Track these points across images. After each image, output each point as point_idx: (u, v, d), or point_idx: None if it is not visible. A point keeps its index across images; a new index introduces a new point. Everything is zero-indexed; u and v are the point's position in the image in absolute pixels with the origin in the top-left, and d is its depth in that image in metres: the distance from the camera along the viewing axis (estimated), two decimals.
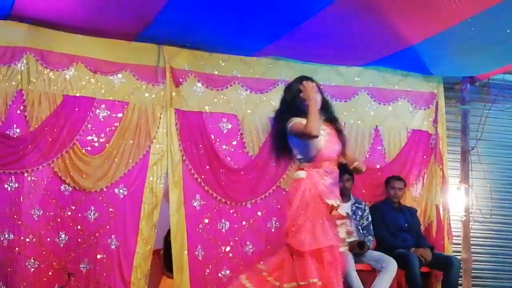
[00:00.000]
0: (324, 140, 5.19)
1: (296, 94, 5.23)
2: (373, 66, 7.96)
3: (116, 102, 7.16)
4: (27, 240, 6.74)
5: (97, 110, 7.08)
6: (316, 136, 5.07)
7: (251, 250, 7.37)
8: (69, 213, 6.93)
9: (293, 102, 5.26)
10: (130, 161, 7.12)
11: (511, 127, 9.02)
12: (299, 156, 5.24)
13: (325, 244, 5.02)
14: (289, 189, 5.54)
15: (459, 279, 7.48)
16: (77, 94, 7.02)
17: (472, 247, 8.29)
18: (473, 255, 8.32)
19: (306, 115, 5.08)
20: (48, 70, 6.93)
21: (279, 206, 7.41)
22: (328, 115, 5.36)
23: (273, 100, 7.57)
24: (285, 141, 5.28)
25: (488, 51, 7.26)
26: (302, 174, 5.21)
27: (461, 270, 7.71)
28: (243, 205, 7.45)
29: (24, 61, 6.85)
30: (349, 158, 5.41)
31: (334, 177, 5.28)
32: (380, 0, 6.13)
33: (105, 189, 7.04)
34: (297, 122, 5.16)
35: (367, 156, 7.95)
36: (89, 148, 7.04)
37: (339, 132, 5.38)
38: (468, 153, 8.42)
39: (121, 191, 7.09)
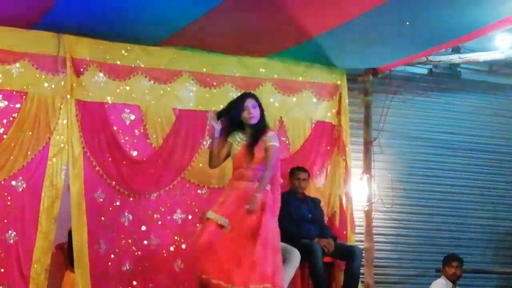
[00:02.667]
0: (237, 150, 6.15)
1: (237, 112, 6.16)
2: (277, 57, 7.95)
3: (14, 92, 6.92)
4: None
5: None
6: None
7: (154, 243, 7.28)
8: None
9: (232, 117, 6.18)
10: (29, 153, 6.91)
11: (412, 118, 9.25)
12: None
13: None
14: None
15: (361, 268, 7.58)
16: None
17: (374, 236, 8.43)
18: (376, 244, 8.46)
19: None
20: None
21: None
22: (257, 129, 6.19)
23: (177, 90, 7.56)
24: None
25: (389, 43, 7.38)
26: None
27: (363, 260, 7.83)
28: (147, 198, 7.35)
29: None
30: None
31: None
32: None
33: (2, 182, 6.81)
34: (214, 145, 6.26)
35: None
36: None
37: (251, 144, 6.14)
38: (370, 144, 8.55)
39: (19, 183, 6.87)
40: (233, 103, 6.29)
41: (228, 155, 6.35)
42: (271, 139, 6.16)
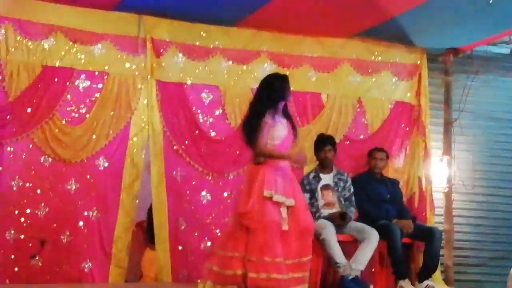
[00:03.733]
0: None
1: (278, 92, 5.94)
2: (356, 38, 7.90)
3: (96, 73, 7.09)
4: (7, 211, 6.70)
5: (77, 81, 7.01)
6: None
7: None
8: (49, 184, 6.88)
9: (272, 98, 5.93)
10: (110, 132, 7.07)
11: (494, 99, 9.03)
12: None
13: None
14: None
15: (441, 250, 7.49)
16: (57, 65, 6.95)
17: (454, 218, 8.32)
18: (455, 226, 8.35)
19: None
20: (26, 40, 6.84)
21: None
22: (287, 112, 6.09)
23: (256, 71, 7.59)
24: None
25: (471, 22, 7.25)
26: None
27: (443, 241, 7.73)
28: (225, 176, 7.43)
29: (2, 31, 6.76)
30: None
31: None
32: None
33: (85, 160, 7.00)
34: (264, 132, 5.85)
35: (350, 127, 7.93)
36: (69, 119, 6.99)
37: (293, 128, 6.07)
38: (450, 125, 8.42)
39: (101, 162, 7.05)
40: (285, 84, 6.06)
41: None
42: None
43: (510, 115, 9.11)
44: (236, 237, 5.74)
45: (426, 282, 6.96)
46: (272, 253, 5.57)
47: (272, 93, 5.96)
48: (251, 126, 5.89)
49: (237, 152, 7.40)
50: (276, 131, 5.89)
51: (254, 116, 5.91)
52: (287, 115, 6.06)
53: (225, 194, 7.38)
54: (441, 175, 8.28)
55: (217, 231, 7.26)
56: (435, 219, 8.02)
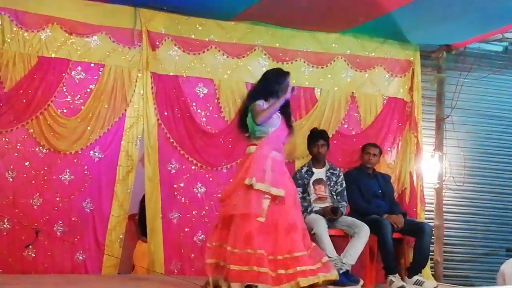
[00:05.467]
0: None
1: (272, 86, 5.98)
2: (350, 33, 7.94)
3: (92, 64, 7.11)
4: (1, 202, 6.72)
5: (73, 72, 7.04)
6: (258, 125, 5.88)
7: None
8: (44, 175, 6.90)
9: (265, 90, 5.99)
10: (105, 124, 7.11)
11: (486, 96, 9.11)
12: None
13: None
14: None
15: (431, 245, 7.55)
16: (53, 55, 6.97)
17: (444, 214, 8.40)
18: (445, 222, 8.43)
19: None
20: (23, 30, 6.86)
21: None
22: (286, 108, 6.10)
23: (250, 65, 7.63)
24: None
25: (464, 19, 7.28)
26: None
27: (433, 237, 7.80)
28: (219, 170, 7.47)
29: None
30: None
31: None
32: None
33: (80, 152, 7.03)
34: (259, 104, 5.89)
35: (343, 122, 7.97)
36: (64, 110, 7.01)
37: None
38: (442, 121, 8.49)
39: (96, 154, 7.08)
40: (281, 77, 6.10)
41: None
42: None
43: (501, 112, 9.20)
44: (220, 228, 5.82)
45: (415, 277, 6.99)
46: (253, 245, 5.55)
47: (266, 85, 6.04)
48: (244, 109, 6.04)
49: (231, 146, 7.45)
50: (270, 120, 5.93)
51: (248, 100, 6.05)
52: (286, 113, 6.10)
53: (219, 187, 7.38)
54: (432, 171, 8.34)
55: (210, 224, 7.23)
56: (425, 215, 8.07)
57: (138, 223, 7.79)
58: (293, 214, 5.88)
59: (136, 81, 7.22)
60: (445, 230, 8.38)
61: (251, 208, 5.66)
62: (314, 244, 6.03)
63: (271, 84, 6.04)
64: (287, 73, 6.15)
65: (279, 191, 5.76)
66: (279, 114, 6.00)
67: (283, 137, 6.10)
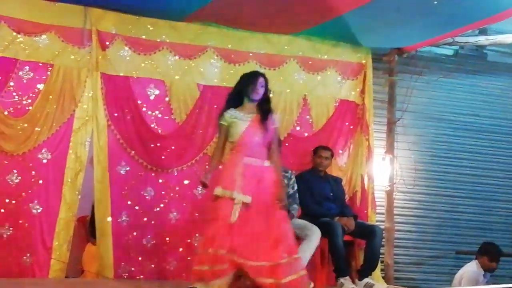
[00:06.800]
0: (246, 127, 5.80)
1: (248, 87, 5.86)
2: (302, 35, 7.94)
3: (40, 64, 6.99)
4: None
5: (20, 72, 6.90)
6: None
7: (175, 218, 7.32)
8: None
9: (240, 93, 5.92)
10: (54, 124, 6.98)
11: (437, 99, 9.20)
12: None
13: None
14: None
15: (381, 248, 7.58)
16: None
17: (395, 216, 8.43)
18: (396, 224, 8.47)
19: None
20: None
21: None
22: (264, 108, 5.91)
23: (202, 66, 7.58)
24: None
25: (415, 23, 7.34)
26: None
27: (383, 239, 7.83)
28: (169, 172, 7.39)
29: None
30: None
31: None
32: None
33: (28, 153, 6.89)
34: (223, 126, 5.88)
35: (295, 125, 7.96)
36: (12, 111, 6.87)
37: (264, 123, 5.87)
38: (394, 124, 8.53)
39: (44, 155, 6.95)
40: (245, 78, 6.00)
41: (226, 140, 5.96)
42: (277, 121, 6.07)
43: (451, 115, 9.31)
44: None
45: (366, 280, 7.01)
46: (216, 245, 5.48)
47: (237, 86, 5.98)
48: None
49: (182, 148, 7.38)
50: (233, 128, 5.82)
51: (224, 106, 5.97)
52: (263, 112, 5.89)
53: (169, 189, 7.33)
54: (383, 174, 8.38)
55: (159, 227, 7.25)
56: (376, 218, 8.11)
57: (89, 225, 7.67)
58: (259, 221, 5.64)
59: (86, 81, 7.10)
60: (395, 232, 8.41)
61: (223, 211, 5.59)
62: (295, 256, 5.68)
63: (242, 85, 5.94)
64: (260, 74, 6.01)
65: (245, 197, 5.63)
66: (248, 116, 5.82)
67: (257, 139, 5.80)
